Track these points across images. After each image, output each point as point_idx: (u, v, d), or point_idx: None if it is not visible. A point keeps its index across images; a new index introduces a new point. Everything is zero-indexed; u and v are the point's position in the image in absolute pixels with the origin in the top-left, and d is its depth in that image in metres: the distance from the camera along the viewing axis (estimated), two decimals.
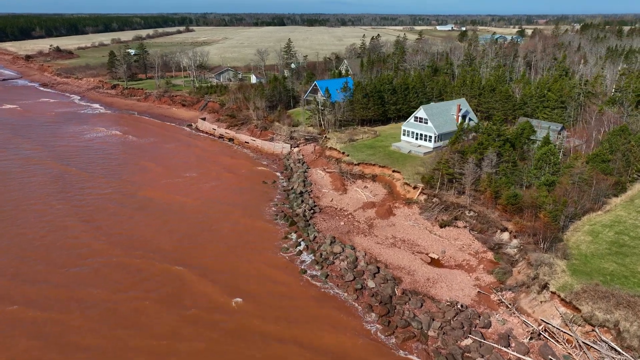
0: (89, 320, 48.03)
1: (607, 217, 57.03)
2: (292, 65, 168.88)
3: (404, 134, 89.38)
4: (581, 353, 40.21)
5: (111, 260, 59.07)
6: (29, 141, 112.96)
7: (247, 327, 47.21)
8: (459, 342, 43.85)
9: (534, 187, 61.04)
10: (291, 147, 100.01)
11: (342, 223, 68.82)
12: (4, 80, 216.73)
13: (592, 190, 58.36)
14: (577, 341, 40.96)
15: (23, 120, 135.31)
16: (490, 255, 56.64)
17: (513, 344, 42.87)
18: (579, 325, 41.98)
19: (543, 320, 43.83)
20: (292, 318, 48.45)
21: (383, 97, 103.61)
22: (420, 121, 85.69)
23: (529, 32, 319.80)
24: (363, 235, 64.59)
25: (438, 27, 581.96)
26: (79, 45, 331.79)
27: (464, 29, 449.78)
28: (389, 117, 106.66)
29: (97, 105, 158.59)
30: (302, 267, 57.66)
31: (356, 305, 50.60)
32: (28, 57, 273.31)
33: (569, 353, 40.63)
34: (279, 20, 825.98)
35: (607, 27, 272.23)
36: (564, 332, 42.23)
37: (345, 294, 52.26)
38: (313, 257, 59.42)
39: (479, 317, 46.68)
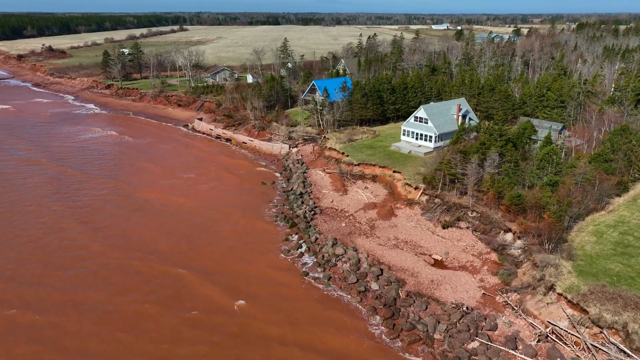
0: (89, 324, 47.24)
1: (610, 217, 56.81)
2: (289, 65, 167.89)
3: (403, 134, 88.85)
4: (589, 355, 39.83)
5: (109, 263, 58.20)
6: (23, 142, 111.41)
7: (249, 329, 46.54)
8: (465, 345, 43.35)
9: (536, 188, 60.69)
10: (290, 148, 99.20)
11: (343, 224, 68.16)
12: None
13: (595, 190, 58.10)
14: (585, 343, 40.57)
15: (17, 121, 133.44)
16: (494, 256, 56.20)
17: (520, 347, 42.43)
18: (586, 327, 41.61)
19: (550, 322, 43.42)
20: (295, 321, 47.80)
21: (382, 96, 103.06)
22: (420, 121, 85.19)
23: (524, 31, 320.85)
24: (365, 237, 63.98)
25: (433, 27, 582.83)
26: (71, 44, 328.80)
27: (459, 28, 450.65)
28: (388, 116, 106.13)
29: (91, 106, 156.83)
30: (304, 269, 56.95)
31: (360, 307, 49.98)
32: (20, 57, 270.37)
33: (577, 355, 40.24)
34: (273, 20, 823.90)
35: (602, 26, 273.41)
36: (572, 334, 41.83)
37: (349, 297, 51.63)
38: (315, 259, 58.70)
39: (485, 319, 46.20)
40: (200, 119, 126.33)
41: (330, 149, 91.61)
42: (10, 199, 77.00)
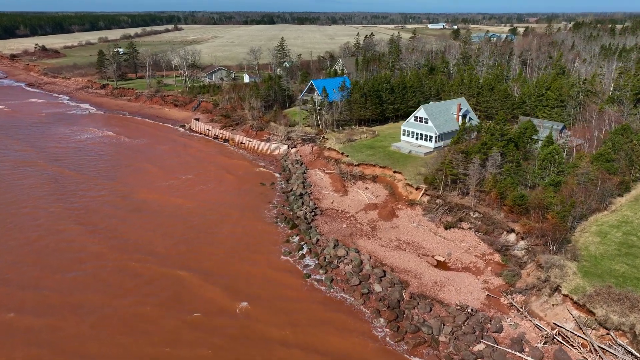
0: (88, 327, 46.65)
1: (613, 217, 56.62)
2: (285, 64, 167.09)
3: (403, 134, 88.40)
4: (597, 357, 39.54)
5: (108, 264, 57.55)
6: (18, 142, 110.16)
7: (252, 332, 46.07)
8: (471, 347, 42.95)
9: (538, 188, 60.41)
10: (288, 148, 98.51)
11: (344, 225, 67.62)
12: None
13: (598, 190, 57.88)
14: (592, 345, 40.27)
15: (11, 121, 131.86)
16: (497, 257, 55.87)
17: (527, 349, 42.06)
18: (593, 329, 41.32)
19: (556, 324, 43.10)
20: (298, 323, 47.33)
21: (381, 96, 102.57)
22: (420, 121, 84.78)
23: (520, 30, 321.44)
24: (366, 238, 63.47)
25: (429, 26, 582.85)
26: (65, 44, 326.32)
27: (455, 27, 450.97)
28: (387, 116, 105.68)
29: (86, 106, 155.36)
30: (306, 271, 56.39)
31: (363, 309, 49.50)
32: (13, 57, 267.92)
33: (585, 357, 39.92)
34: (268, 19, 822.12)
35: (598, 25, 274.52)
36: (578, 336, 41.52)
37: (352, 299, 51.14)
38: (317, 261, 58.13)
39: (490, 321, 45.81)
40: (197, 119, 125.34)
41: (329, 149, 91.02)
42: (6, 200, 75.96)
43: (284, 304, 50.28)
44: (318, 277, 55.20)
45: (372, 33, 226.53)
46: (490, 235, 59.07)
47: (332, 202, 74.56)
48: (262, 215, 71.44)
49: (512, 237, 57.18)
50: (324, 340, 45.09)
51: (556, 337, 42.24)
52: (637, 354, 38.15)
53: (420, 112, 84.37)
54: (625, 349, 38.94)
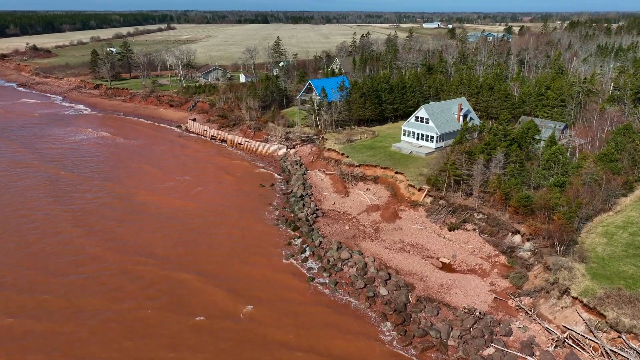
0: (89, 331, 45.70)
1: (619, 217, 56.34)
2: (281, 64, 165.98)
3: (404, 134, 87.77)
4: None
5: (109, 267, 56.55)
6: (12, 143, 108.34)
7: (257, 335, 45.27)
8: (481, 351, 42.33)
9: (543, 189, 59.98)
10: (287, 149, 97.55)
11: (346, 227, 66.85)
12: None
13: (602, 191, 57.59)
14: (604, 348, 39.82)
15: (4, 122, 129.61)
16: (503, 258, 55.36)
17: (537, 353, 41.52)
18: (604, 332, 40.87)
19: (566, 327, 42.60)
20: (304, 326, 46.57)
21: (380, 96, 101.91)
22: (421, 121, 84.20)
23: (516, 29, 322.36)
24: (370, 240, 62.75)
25: (424, 25, 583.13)
26: (56, 43, 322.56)
27: (450, 26, 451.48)
28: (386, 116, 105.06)
29: (80, 106, 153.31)
30: (310, 274, 55.57)
31: (369, 313, 48.76)
32: (3, 56, 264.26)
33: None
34: (262, 18, 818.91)
35: (593, 24, 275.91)
36: (589, 339, 41.05)
37: (357, 302, 50.39)
38: (320, 264, 57.33)
39: (499, 324, 45.22)
40: (194, 120, 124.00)
41: (329, 149, 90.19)
42: (2, 203, 74.53)
43: (288, 307, 49.50)
44: (322, 280, 54.39)
45: (368, 32, 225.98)
46: (495, 236, 58.58)
47: (334, 204, 73.76)
48: (262, 217, 70.50)
49: (517, 238, 56.70)
50: (330, 344, 44.39)
51: (567, 340, 41.75)
52: None
53: (421, 112, 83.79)
54: (638, 352, 38.49)
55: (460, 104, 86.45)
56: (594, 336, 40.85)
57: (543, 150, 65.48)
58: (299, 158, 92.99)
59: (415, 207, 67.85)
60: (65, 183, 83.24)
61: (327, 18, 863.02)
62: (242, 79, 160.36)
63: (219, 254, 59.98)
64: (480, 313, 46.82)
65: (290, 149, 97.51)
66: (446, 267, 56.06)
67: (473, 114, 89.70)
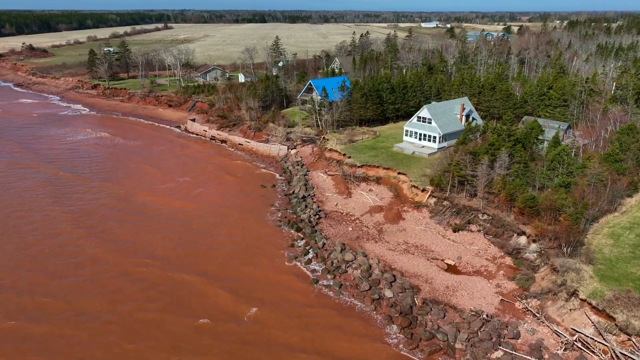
0: (90, 334, 45.14)
1: (625, 218, 55.99)
2: (280, 64, 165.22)
3: (406, 135, 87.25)
4: None
5: (109, 269, 55.95)
6: (10, 144, 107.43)
7: (262, 338, 44.78)
8: (489, 354, 41.87)
9: (548, 189, 59.57)
10: (288, 149, 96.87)
11: (350, 228, 66.28)
12: None
13: (608, 191, 57.22)
14: (614, 351, 39.39)
15: (1, 122, 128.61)
16: (508, 260, 54.90)
17: (546, 356, 41.07)
18: (614, 335, 40.44)
19: (575, 330, 42.16)
20: (309, 329, 46.08)
21: (381, 96, 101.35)
22: (423, 121, 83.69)
23: (514, 29, 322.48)
24: (374, 242, 62.19)
25: (423, 24, 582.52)
26: (53, 43, 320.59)
27: (449, 26, 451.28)
28: (387, 116, 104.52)
29: (78, 106, 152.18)
30: (314, 276, 54.99)
31: (375, 316, 48.26)
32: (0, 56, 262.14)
33: None
34: (260, 17, 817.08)
35: (593, 24, 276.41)
36: (599, 342, 40.62)
37: (362, 305, 49.87)
38: (324, 266, 56.74)
39: (507, 327, 44.75)
40: (193, 120, 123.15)
41: (330, 150, 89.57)
42: (0, 204, 73.57)
43: (292, 309, 49.00)
44: (326, 282, 53.82)
45: (367, 32, 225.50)
46: (500, 237, 58.11)
47: (336, 205, 73.17)
48: (264, 218, 69.87)
49: (522, 239, 56.24)
50: (335, 346, 43.93)
51: (576, 343, 41.31)
52: None
53: (424, 112, 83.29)
54: None
55: (463, 104, 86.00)
56: (604, 339, 40.41)
57: (547, 151, 65.05)
58: (300, 159, 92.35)
59: (418, 208, 67.33)
60: (65, 184, 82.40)
61: (325, 17, 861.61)
62: (241, 78, 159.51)
63: (221, 255, 59.44)
64: (487, 315, 46.34)
65: (291, 149, 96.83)
66: (451, 269, 55.56)
67: (475, 114, 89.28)
